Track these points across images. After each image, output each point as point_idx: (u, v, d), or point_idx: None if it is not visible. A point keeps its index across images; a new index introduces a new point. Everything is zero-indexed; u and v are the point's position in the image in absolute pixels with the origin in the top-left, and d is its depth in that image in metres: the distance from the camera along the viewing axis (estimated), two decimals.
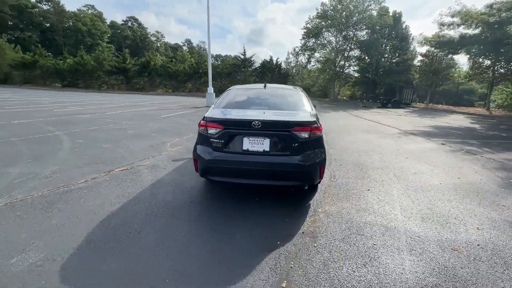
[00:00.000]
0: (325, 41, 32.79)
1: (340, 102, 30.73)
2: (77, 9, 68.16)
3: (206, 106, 17.86)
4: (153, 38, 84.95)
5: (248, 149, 3.04)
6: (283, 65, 40.52)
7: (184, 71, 39.09)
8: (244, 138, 3.06)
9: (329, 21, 30.35)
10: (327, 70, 33.31)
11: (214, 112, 3.39)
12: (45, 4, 63.03)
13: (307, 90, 43.23)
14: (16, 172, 4.15)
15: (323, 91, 39.37)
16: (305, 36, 33.13)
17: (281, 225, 2.86)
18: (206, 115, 3.29)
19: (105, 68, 40.21)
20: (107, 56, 41.25)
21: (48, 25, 61.84)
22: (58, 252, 2.30)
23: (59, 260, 2.20)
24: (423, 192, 3.78)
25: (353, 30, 31.21)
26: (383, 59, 31.76)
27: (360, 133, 8.89)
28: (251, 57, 38.31)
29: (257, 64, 38.88)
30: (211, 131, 3.12)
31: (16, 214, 2.89)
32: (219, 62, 41.77)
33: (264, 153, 3.03)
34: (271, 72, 37.23)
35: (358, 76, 35.58)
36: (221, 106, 3.66)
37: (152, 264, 2.18)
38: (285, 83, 39.62)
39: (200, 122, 3.27)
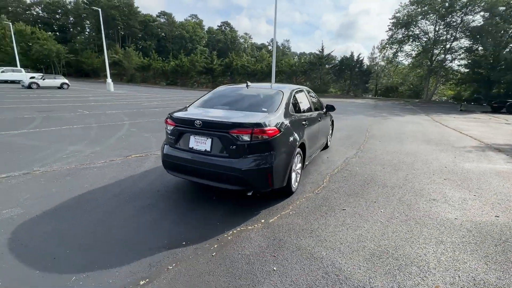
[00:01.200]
0: (418, 31, 27.59)
1: (432, 104, 25.38)
2: (184, 19, 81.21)
3: None
4: (242, 40, 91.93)
5: (193, 147, 3.12)
6: (366, 61, 36.65)
7: (261, 70, 40.87)
8: (191, 136, 3.14)
9: (427, 6, 25.34)
10: (421, 65, 28.07)
11: (181, 110, 3.58)
12: (162, 18, 77.90)
13: (394, 90, 37.58)
14: (70, 150, 5.57)
15: (414, 90, 33.51)
16: (392, 28, 28.84)
17: (211, 225, 2.84)
18: (169, 112, 3.53)
19: (197, 69, 46.50)
20: (199, 58, 47.43)
21: (163, 34, 76.21)
22: (36, 210, 3.07)
23: (31, 215, 2.94)
24: (413, 231, 2.88)
25: (461, 14, 25.04)
26: (504, 50, 24.19)
27: (416, 142, 7.31)
28: (329, 53, 36.38)
29: (336, 61, 36.62)
30: (168, 127, 3.34)
31: (39, 180, 3.96)
32: (296, 60, 41.52)
33: (205, 153, 3.03)
34: (350, 70, 34.39)
35: (467, 71, 28.40)
36: (195, 105, 3.81)
37: (99, 229, 2.62)
38: (366, 81, 35.75)
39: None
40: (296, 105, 3.75)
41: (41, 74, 28.29)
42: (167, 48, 73.32)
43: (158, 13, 78.40)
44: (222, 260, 2.29)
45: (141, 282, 2.03)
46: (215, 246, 2.49)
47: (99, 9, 28.62)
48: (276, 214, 3.04)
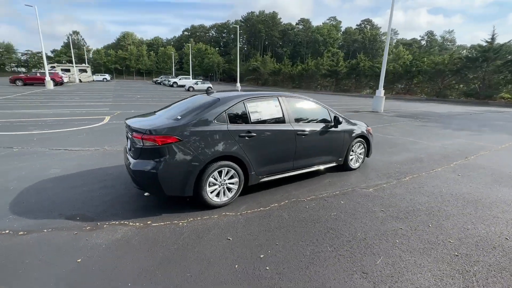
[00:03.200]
0: None
1: None
2: (322, 23, 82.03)
3: (371, 110, 15.79)
4: (384, 37, 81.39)
5: (129, 148, 3.37)
6: None
7: (393, 71, 34.97)
8: (129, 139, 3.34)
9: None
10: None
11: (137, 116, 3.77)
12: (300, 24, 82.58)
13: None
14: None
15: None
16: None
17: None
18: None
19: (321, 72, 46.21)
20: (325, 60, 46.77)
21: (299, 40, 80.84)
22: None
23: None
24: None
25: None
26: None
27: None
28: (503, 44, 25.73)
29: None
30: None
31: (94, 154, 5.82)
32: (444, 56, 31.99)
33: (128, 152, 3.35)
34: None
35: None
36: (157, 111, 3.89)
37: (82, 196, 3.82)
38: None
39: None
40: (247, 114, 3.42)
41: (199, 80, 37.80)
42: (300, 53, 77.12)
43: (298, 20, 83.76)
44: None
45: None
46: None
47: (237, 26, 34.54)
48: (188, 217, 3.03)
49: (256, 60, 67.31)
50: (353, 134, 4.59)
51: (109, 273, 2.08)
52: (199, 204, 3.18)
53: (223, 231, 2.74)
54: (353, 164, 4.81)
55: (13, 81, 28.49)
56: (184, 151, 2.92)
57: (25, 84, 28.33)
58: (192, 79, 44.09)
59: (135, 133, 2.99)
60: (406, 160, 5.56)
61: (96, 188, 3.75)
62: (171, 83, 41.42)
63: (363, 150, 4.91)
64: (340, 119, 4.31)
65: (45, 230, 2.65)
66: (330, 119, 4.26)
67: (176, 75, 55.00)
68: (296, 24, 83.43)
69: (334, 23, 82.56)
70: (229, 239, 2.59)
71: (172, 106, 3.87)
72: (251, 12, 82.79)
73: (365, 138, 4.88)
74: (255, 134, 3.36)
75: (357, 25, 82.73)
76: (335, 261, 2.29)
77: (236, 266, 2.19)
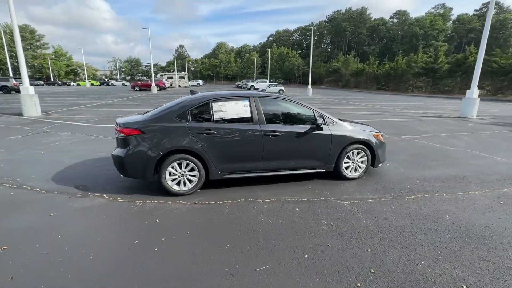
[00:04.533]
0: None
1: None
2: (425, 13, 69.69)
3: (458, 116, 12.71)
4: None
5: None
6: None
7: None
8: None
9: None
10: None
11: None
12: (395, 18, 72.96)
13: None
14: None
15: None
16: None
17: None
18: None
19: (413, 71, 39.72)
20: (419, 57, 39.84)
21: (391, 36, 71.61)
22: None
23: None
24: None
25: None
26: None
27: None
28: None
29: None
30: None
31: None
32: None
33: None
34: None
35: None
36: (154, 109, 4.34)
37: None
38: None
39: None
40: (210, 112, 3.64)
41: (272, 83, 38.98)
42: (392, 49, 68.25)
43: (393, 13, 74.27)
44: None
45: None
46: None
47: (312, 27, 33.58)
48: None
49: (337, 60, 63.85)
50: (347, 139, 4.08)
51: (66, 223, 2.80)
52: (164, 190, 3.65)
53: (162, 214, 3.11)
54: (349, 173, 4.26)
55: (133, 87, 37.15)
56: (145, 142, 3.45)
57: (140, 89, 36.33)
58: (269, 82, 45.88)
59: (116, 126, 3.72)
60: (438, 176, 4.44)
61: (113, 168, 4.77)
62: (249, 86, 44.48)
63: (365, 158, 4.27)
64: (321, 120, 3.90)
65: (56, 192, 3.69)
66: (314, 121, 3.95)
67: (258, 79, 58.46)
68: (390, 18, 74.21)
69: (441, 11, 68.89)
70: (157, 221, 2.94)
71: (161, 106, 4.51)
72: (337, 10, 79.05)
73: (366, 145, 4.23)
74: (215, 132, 3.57)
75: (475, 10, 66.33)
76: (226, 260, 2.30)
77: (136, 241, 2.54)
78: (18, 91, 26.74)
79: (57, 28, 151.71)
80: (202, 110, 3.68)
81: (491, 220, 3.01)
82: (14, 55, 72.11)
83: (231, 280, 2.02)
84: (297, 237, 2.65)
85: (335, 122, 4.10)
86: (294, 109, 4.09)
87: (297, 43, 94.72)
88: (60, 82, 61.67)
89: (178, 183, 3.62)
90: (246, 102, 3.82)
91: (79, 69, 78.84)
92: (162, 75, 52.49)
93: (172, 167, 3.54)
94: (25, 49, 72.38)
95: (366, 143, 4.22)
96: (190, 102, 3.70)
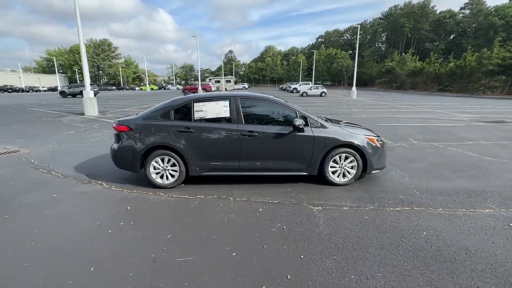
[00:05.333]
0: None
1: None
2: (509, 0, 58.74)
3: None
4: None
5: None
6: None
7: None
8: None
9: None
10: None
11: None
12: (467, 9, 63.41)
13: None
14: None
15: None
16: None
17: None
18: None
19: (485, 68, 33.97)
20: (495, 53, 33.79)
21: (461, 30, 62.45)
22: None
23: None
24: None
25: None
26: None
27: None
28: None
29: None
30: None
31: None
32: None
33: None
34: None
35: None
36: None
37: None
38: None
39: None
40: (191, 112, 3.85)
41: (314, 86, 37.58)
42: (461, 45, 59.36)
43: (464, 4, 64.63)
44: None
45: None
46: None
47: (358, 26, 31.55)
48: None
49: (391, 59, 58.59)
50: (331, 142, 3.85)
51: (59, 203, 3.37)
52: (149, 183, 4.02)
53: (137, 203, 3.46)
54: (336, 178, 4.00)
55: (183, 91, 40.50)
56: (132, 138, 3.87)
57: (190, 92, 39.43)
58: (313, 84, 44.74)
59: (113, 124, 4.24)
60: (447, 189, 3.84)
61: None
62: (291, 89, 44.11)
63: (355, 163, 3.96)
64: (300, 121, 3.73)
65: (69, 178, 4.40)
66: (295, 123, 3.82)
67: (303, 81, 57.48)
68: (461, 8, 64.76)
69: None
70: (128, 208, 3.29)
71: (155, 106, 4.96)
72: (394, 5, 72.53)
73: (356, 149, 3.92)
74: (193, 131, 3.80)
75: None
76: (159, 247, 2.48)
77: (99, 223, 2.90)
78: (94, 94, 32.45)
79: (129, 40, 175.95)
80: (184, 110, 3.94)
81: (480, 243, 2.51)
82: (95, 65, 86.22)
83: (149, 265, 2.18)
84: (240, 236, 2.67)
85: (319, 124, 3.92)
86: (276, 110, 4.05)
87: (348, 43, 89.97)
88: (127, 87, 71.00)
89: (162, 177, 3.95)
90: (227, 103, 3.94)
91: (143, 75, 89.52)
92: (210, 79, 55.96)
93: (156, 162, 3.88)
94: (103, 59, 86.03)
95: (354, 147, 3.91)
96: (174, 102, 4.00)
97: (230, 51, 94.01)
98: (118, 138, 3.99)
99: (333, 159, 3.92)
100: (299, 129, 3.80)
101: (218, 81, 55.05)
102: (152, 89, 66.16)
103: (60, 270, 2.14)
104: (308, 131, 3.84)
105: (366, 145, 3.92)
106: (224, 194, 3.74)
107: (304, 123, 3.79)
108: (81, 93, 31.51)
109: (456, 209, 3.25)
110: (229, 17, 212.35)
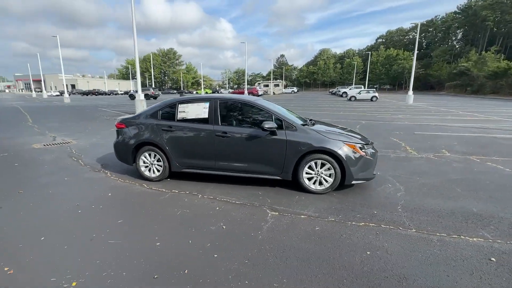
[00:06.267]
0: None
1: None
2: None
3: None
4: None
5: None
6: None
7: None
8: None
9: None
10: None
11: None
12: None
13: None
14: None
15: None
16: None
17: None
18: None
19: None
20: None
21: None
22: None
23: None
24: None
25: None
26: None
27: None
28: None
29: None
30: None
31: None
32: None
33: None
34: None
35: None
36: None
37: None
38: None
39: None
40: (175, 113, 4.17)
41: (364, 90, 34.68)
42: None
43: None
44: None
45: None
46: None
47: (418, 23, 28.06)
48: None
49: (467, 59, 50.39)
50: (305, 147, 3.68)
51: (65, 185, 4.10)
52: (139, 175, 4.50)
53: (119, 191, 3.94)
54: (312, 186, 3.80)
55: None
56: (126, 134, 4.41)
57: None
58: (367, 88, 41.70)
59: (115, 122, 4.87)
60: (441, 210, 3.27)
61: None
62: (341, 93, 41.93)
63: (332, 171, 3.69)
64: (270, 124, 3.67)
65: (87, 166, 5.23)
66: (264, 125, 3.71)
67: (359, 85, 54.01)
68: None
69: None
70: (109, 195, 3.78)
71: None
72: None
73: (333, 156, 3.65)
74: (174, 129, 4.13)
75: None
76: (104, 230, 2.82)
77: (78, 204, 3.41)
78: (155, 97, 36.80)
79: (193, 49, 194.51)
80: (169, 111, 4.30)
81: (428, 274, 2.12)
82: (162, 71, 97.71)
83: (86, 243, 2.53)
84: (178, 229, 2.83)
85: (294, 128, 3.79)
86: (253, 112, 4.07)
87: (413, 42, 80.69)
88: (186, 91, 78.01)
89: (149, 170, 4.39)
90: (207, 104, 4.15)
91: (201, 80, 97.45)
92: (259, 83, 57.32)
93: (144, 157, 4.34)
94: (168, 66, 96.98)
95: (330, 154, 3.65)
96: (163, 103, 4.40)
97: (282, 55, 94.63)
98: (117, 134, 4.59)
99: (308, 165, 3.74)
100: (271, 132, 3.76)
101: (267, 85, 56.03)
102: (206, 92, 71.22)
103: (31, 231, 2.66)
104: (281, 135, 3.76)
105: (344, 152, 3.62)
106: (197, 191, 3.94)
107: (276, 126, 3.72)
108: (146, 96, 36.49)
109: (434, 233, 2.76)
110: (285, 22, 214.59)
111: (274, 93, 55.22)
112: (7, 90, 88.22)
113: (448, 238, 2.66)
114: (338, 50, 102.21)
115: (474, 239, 2.64)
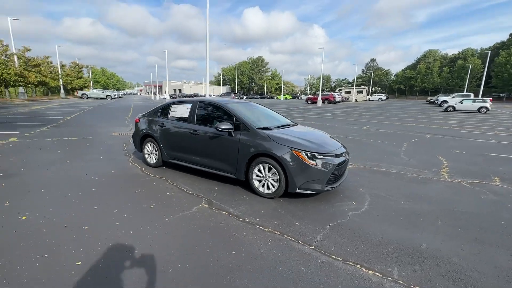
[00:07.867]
0: None
1: None
2: None
3: None
4: None
5: None
6: None
7: None
8: None
9: None
10: None
11: None
12: None
13: None
14: None
15: None
16: None
17: None
18: None
19: None
20: None
21: None
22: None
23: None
24: None
25: None
26: None
27: None
28: None
29: None
30: None
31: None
32: None
33: None
34: None
35: None
36: None
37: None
38: None
39: None
40: (168, 112, 4.96)
41: (465, 99, 27.45)
42: None
43: None
44: None
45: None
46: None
47: None
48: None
49: None
50: (252, 150, 3.77)
51: (83, 164, 5.58)
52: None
53: (121, 173, 5.02)
54: (261, 189, 3.83)
55: (306, 101, 42.12)
56: (138, 127, 5.55)
57: (312, 102, 40.45)
58: (474, 97, 33.19)
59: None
60: (394, 240, 2.77)
61: None
62: (440, 102, 34.85)
63: (277, 176, 3.62)
64: (225, 125, 3.94)
65: (125, 151, 6.77)
66: (217, 126, 4.03)
67: (469, 93, 43.33)
68: None
69: None
70: (112, 172, 4.91)
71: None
72: None
73: (277, 161, 3.58)
74: (164, 126, 4.95)
75: None
76: (91, 207, 3.83)
77: (81, 178, 4.64)
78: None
79: (283, 56, 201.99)
80: (166, 110, 5.16)
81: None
82: (250, 78, 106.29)
83: (59, 229, 3.55)
84: (123, 200, 3.54)
85: (250, 130, 3.92)
86: (220, 114, 4.40)
87: None
88: (267, 96, 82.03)
89: (150, 157, 5.38)
90: (189, 106, 4.79)
91: (284, 86, 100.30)
92: (340, 90, 54.24)
93: (147, 146, 5.36)
94: (256, 73, 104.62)
95: (274, 158, 3.60)
96: (164, 104, 5.33)
97: (373, 59, 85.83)
98: (135, 126, 5.81)
99: (257, 167, 3.82)
100: (228, 133, 4.02)
101: (349, 92, 52.46)
102: (286, 98, 72.73)
103: (38, 196, 3.96)
104: (236, 135, 3.97)
105: (288, 158, 3.51)
106: (171, 179, 4.60)
107: (230, 127, 3.96)
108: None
109: (336, 256, 2.44)
110: (386, 22, 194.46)
111: (356, 100, 51.09)
112: (138, 93, 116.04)
113: (342, 264, 2.32)
114: (451, 51, 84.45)
115: (369, 272, 2.21)
